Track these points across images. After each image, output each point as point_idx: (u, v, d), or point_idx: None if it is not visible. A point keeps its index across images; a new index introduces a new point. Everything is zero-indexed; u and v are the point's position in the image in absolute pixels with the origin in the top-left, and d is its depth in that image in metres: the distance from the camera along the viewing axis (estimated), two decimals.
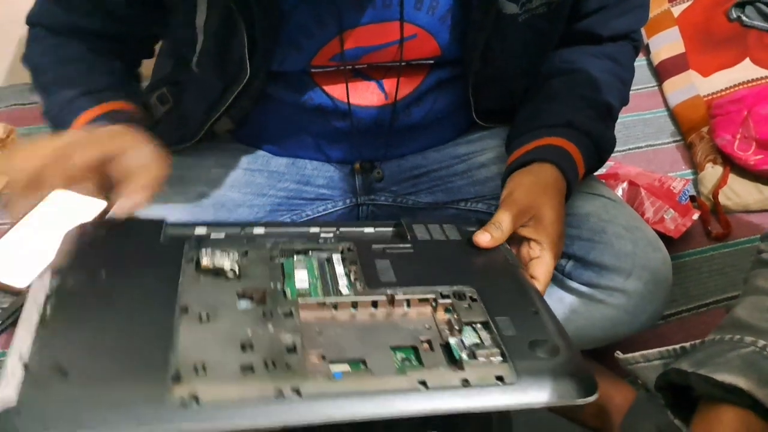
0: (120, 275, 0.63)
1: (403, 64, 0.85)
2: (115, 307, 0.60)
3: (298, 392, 0.51)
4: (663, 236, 1.05)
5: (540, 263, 0.74)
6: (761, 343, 0.60)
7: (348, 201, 0.99)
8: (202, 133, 0.90)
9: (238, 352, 0.54)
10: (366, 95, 0.89)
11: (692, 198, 1.26)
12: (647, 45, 1.64)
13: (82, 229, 0.73)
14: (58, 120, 0.82)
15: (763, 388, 0.56)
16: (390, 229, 0.79)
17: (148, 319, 0.57)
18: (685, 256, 1.20)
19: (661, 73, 1.57)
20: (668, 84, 1.55)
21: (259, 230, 0.73)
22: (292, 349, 0.55)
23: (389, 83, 0.88)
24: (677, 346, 0.68)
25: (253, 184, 0.95)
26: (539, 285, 0.73)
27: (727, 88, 1.47)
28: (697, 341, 0.66)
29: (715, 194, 1.28)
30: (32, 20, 0.90)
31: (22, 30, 0.90)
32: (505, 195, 0.79)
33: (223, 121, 0.91)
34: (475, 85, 0.88)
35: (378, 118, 0.90)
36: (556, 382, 0.55)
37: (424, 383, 0.54)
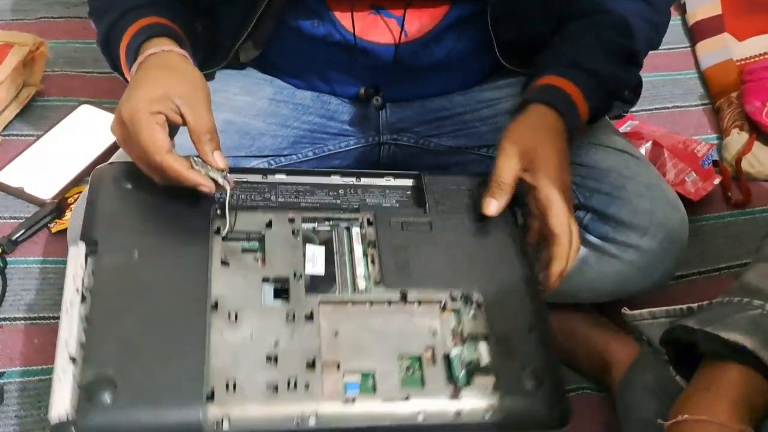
0: (152, 255, 0.69)
1: None
2: (152, 300, 0.66)
3: (316, 416, 0.62)
4: (682, 198, 1.04)
5: (552, 214, 0.74)
6: None
7: (371, 139, 0.99)
8: (230, 56, 0.90)
9: (263, 364, 0.64)
10: (385, 32, 0.88)
11: (715, 163, 1.25)
12: (683, 4, 1.61)
13: (110, 170, 0.77)
14: (109, 46, 0.84)
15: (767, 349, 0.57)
16: (410, 182, 0.82)
17: (182, 318, 0.65)
18: (702, 220, 1.20)
19: (696, 33, 1.54)
20: (701, 45, 1.51)
21: (281, 177, 0.80)
22: (311, 365, 0.64)
23: (409, 19, 0.88)
24: (684, 306, 0.69)
25: (277, 114, 0.95)
26: (560, 246, 0.73)
27: (761, 54, 1.44)
28: (705, 302, 0.67)
29: (738, 161, 1.26)
30: None
31: None
32: (500, 140, 0.79)
33: (248, 44, 0.91)
34: (494, 17, 0.87)
35: (396, 55, 0.90)
36: (534, 416, 0.66)
37: (423, 412, 0.64)
